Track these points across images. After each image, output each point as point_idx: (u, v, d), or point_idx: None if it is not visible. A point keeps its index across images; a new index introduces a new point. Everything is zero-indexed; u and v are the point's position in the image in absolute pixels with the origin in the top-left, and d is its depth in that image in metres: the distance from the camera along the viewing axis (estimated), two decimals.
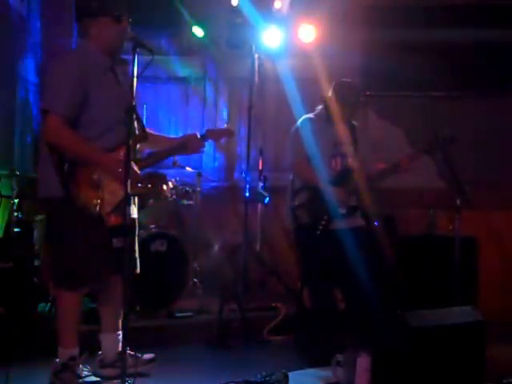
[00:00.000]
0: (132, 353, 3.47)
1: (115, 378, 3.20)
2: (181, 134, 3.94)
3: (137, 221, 3.48)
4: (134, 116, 3.05)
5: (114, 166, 3.13)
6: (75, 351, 3.28)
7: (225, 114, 6.45)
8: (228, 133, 3.85)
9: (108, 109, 3.23)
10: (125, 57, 3.38)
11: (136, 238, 3.51)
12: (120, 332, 3.43)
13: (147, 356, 3.55)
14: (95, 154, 3.19)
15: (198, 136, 3.59)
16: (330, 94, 4.34)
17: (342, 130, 4.23)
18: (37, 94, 5.72)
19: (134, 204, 3.40)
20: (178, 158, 5.04)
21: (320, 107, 4.35)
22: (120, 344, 3.39)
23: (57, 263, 3.34)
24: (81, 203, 3.09)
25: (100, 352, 3.50)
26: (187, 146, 3.57)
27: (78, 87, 3.14)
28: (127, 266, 2.89)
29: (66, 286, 3.26)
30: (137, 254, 3.48)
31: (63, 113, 3.12)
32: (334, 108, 4.24)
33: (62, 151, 3.12)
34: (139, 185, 3.28)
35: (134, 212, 3.40)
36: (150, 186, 4.01)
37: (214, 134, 3.68)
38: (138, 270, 3.49)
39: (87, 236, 3.17)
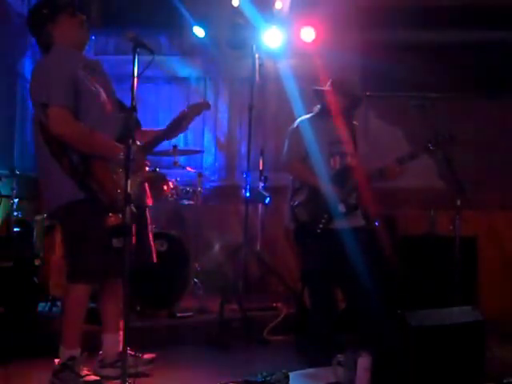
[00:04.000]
0: (132, 353, 3.47)
1: (115, 377, 3.19)
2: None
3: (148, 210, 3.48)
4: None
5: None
6: (76, 352, 3.27)
7: (225, 114, 6.45)
8: (206, 105, 3.71)
9: (94, 101, 3.22)
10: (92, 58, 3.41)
11: (150, 227, 3.50)
12: (121, 332, 3.43)
13: (148, 356, 3.55)
14: (108, 143, 3.15)
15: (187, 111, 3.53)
16: (328, 89, 4.25)
17: (340, 127, 4.18)
18: None
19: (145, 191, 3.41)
20: (178, 158, 5.04)
21: (318, 107, 4.32)
22: (121, 344, 3.39)
23: (78, 257, 3.24)
24: (107, 199, 3.07)
25: (101, 352, 3.50)
26: (182, 123, 3.47)
27: (69, 79, 3.12)
28: (127, 266, 2.88)
29: (85, 279, 3.22)
30: (151, 242, 3.48)
31: (66, 103, 3.08)
32: (333, 103, 4.19)
33: (71, 143, 3.07)
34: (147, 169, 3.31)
35: (147, 200, 3.42)
36: (157, 168, 4.14)
37: (195, 109, 3.57)
38: (155, 259, 3.50)
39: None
